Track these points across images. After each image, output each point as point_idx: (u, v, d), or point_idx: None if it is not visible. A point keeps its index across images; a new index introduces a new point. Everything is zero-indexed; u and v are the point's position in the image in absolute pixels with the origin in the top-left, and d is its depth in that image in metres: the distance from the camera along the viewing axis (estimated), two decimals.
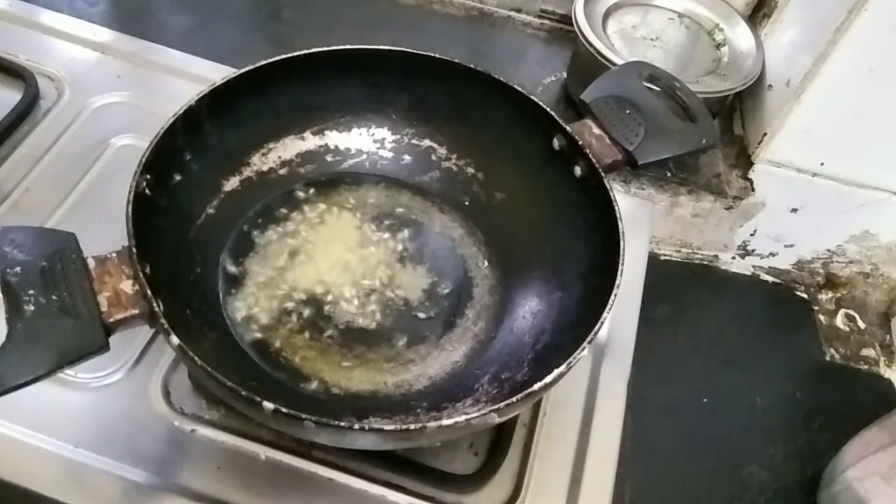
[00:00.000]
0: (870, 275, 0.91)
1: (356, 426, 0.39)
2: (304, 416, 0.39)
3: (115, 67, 0.76)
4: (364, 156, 0.63)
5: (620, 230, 0.49)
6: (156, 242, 0.48)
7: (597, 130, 0.55)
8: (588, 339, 0.44)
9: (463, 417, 0.41)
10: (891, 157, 0.77)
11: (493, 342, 0.55)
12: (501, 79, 0.57)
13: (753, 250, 0.90)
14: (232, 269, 0.55)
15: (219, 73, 0.56)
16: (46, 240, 0.42)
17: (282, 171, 0.60)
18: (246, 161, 0.59)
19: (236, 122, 0.56)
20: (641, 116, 0.56)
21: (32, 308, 0.39)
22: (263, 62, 0.54)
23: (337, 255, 0.57)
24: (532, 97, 0.56)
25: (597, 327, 0.45)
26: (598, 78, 0.59)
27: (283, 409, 0.39)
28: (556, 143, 0.56)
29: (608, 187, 0.51)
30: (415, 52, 0.57)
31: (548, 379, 0.42)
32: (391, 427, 0.40)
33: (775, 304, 0.90)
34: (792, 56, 0.76)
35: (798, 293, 0.91)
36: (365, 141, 0.63)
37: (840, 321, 0.90)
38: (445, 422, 0.40)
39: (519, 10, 0.95)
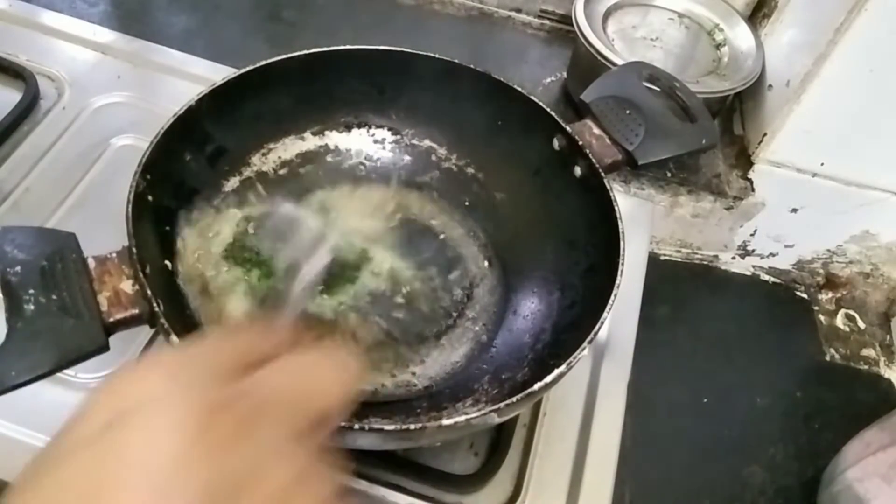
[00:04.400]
0: (870, 275, 0.91)
1: (356, 426, 0.39)
2: None
3: (115, 67, 0.76)
4: (364, 156, 0.63)
5: (620, 230, 0.49)
6: (156, 242, 0.48)
7: (597, 130, 0.55)
8: (588, 339, 0.44)
9: (463, 417, 0.41)
10: (891, 157, 0.77)
11: (493, 342, 0.55)
12: (501, 79, 0.57)
13: (753, 250, 0.90)
14: (232, 268, 0.55)
15: (219, 73, 0.56)
16: (46, 240, 0.42)
17: (282, 172, 0.60)
18: (246, 161, 0.59)
19: (236, 122, 0.56)
20: (641, 116, 0.56)
21: (32, 307, 0.39)
22: (263, 62, 0.54)
23: (337, 255, 0.57)
24: (532, 97, 0.56)
25: (597, 327, 0.45)
26: (598, 78, 0.59)
27: None
28: (556, 143, 0.56)
29: (608, 187, 0.51)
30: (415, 52, 0.57)
31: (548, 379, 0.42)
32: (391, 427, 0.40)
33: (775, 304, 0.90)
34: (792, 56, 0.76)
35: (798, 293, 0.91)
36: (365, 141, 0.63)
37: (840, 321, 0.90)
38: (445, 422, 0.40)
39: (519, 11, 0.95)
